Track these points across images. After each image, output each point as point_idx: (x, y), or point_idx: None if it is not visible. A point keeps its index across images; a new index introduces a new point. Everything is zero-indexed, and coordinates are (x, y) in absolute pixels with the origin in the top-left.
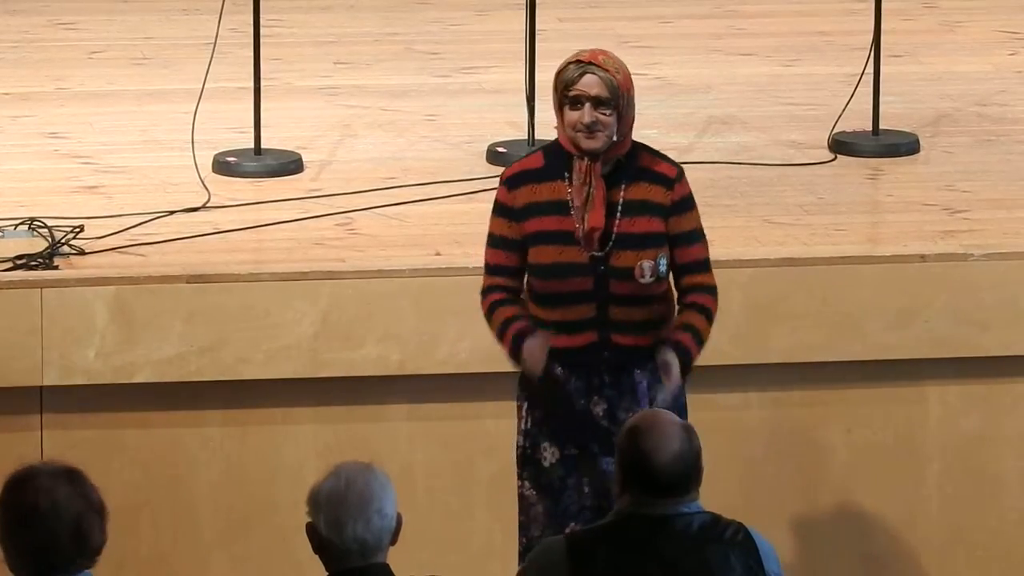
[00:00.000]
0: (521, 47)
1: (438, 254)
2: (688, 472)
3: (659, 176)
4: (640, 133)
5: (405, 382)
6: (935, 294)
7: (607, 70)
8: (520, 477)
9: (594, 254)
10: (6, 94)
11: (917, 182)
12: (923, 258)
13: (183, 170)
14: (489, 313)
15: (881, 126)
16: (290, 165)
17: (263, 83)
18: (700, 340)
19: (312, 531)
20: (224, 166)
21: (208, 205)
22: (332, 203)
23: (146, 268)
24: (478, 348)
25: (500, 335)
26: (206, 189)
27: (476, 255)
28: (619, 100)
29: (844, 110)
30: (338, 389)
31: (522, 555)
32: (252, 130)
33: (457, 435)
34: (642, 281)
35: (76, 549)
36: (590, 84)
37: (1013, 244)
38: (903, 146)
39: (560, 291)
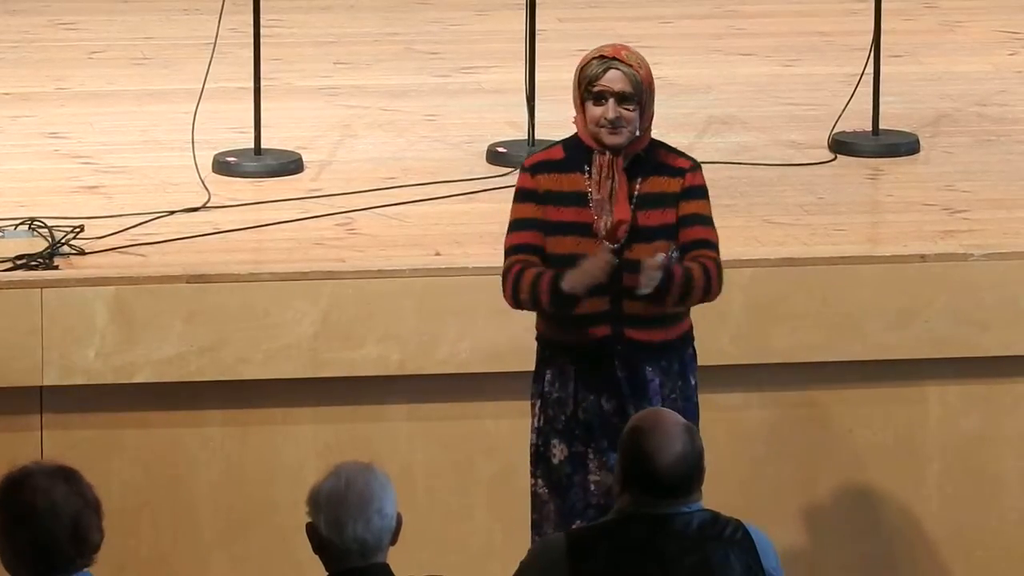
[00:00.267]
0: (521, 47)
1: (438, 254)
2: (690, 474)
3: (674, 169)
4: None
5: (405, 382)
6: (935, 294)
7: (631, 65)
8: (533, 475)
9: (611, 246)
10: (6, 94)
11: (917, 182)
12: (923, 258)
13: (183, 170)
14: (517, 281)
15: (881, 126)
16: (290, 165)
17: (263, 83)
18: (688, 277)
19: (312, 531)
20: (224, 166)
21: (208, 205)
22: (332, 203)
23: (146, 268)
24: (478, 348)
25: (535, 288)
26: (206, 189)
27: (476, 255)
28: (642, 95)
29: (844, 110)
30: (338, 389)
31: None
32: (252, 130)
33: (457, 435)
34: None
35: (75, 548)
36: (614, 80)
37: (1013, 244)
38: (903, 146)
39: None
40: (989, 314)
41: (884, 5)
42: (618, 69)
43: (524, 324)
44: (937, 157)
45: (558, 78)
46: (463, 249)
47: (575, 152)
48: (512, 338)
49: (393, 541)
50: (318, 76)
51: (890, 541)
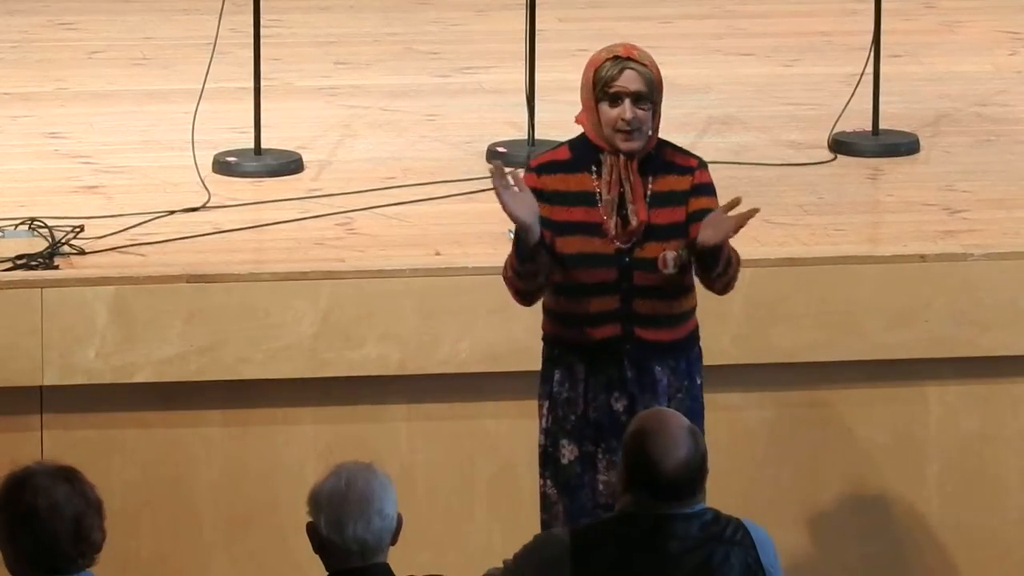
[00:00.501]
0: (521, 47)
1: (438, 254)
2: (694, 477)
3: (682, 167)
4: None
5: (405, 382)
6: (935, 294)
7: (645, 64)
8: (542, 476)
9: (619, 246)
10: (6, 94)
11: (917, 182)
12: (923, 258)
13: (183, 170)
14: (506, 264)
15: (881, 126)
16: (290, 165)
17: (263, 83)
18: (728, 250)
19: (313, 531)
20: (224, 166)
21: (208, 205)
22: (332, 203)
23: (146, 268)
24: (478, 348)
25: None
26: (206, 189)
27: (476, 255)
28: (655, 95)
29: (844, 110)
30: (338, 389)
31: None
32: (252, 130)
33: (457, 435)
34: (665, 271)
35: (76, 549)
36: (630, 80)
37: (1013, 244)
38: (903, 146)
39: (585, 282)
40: (989, 314)
41: (884, 5)
42: (633, 69)
43: (524, 324)
44: (937, 157)
45: (558, 78)
46: (463, 249)
47: (582, 152)
48: (512, 338)
49: (393, 541)
50: (318, 76)
51: (890, 541)
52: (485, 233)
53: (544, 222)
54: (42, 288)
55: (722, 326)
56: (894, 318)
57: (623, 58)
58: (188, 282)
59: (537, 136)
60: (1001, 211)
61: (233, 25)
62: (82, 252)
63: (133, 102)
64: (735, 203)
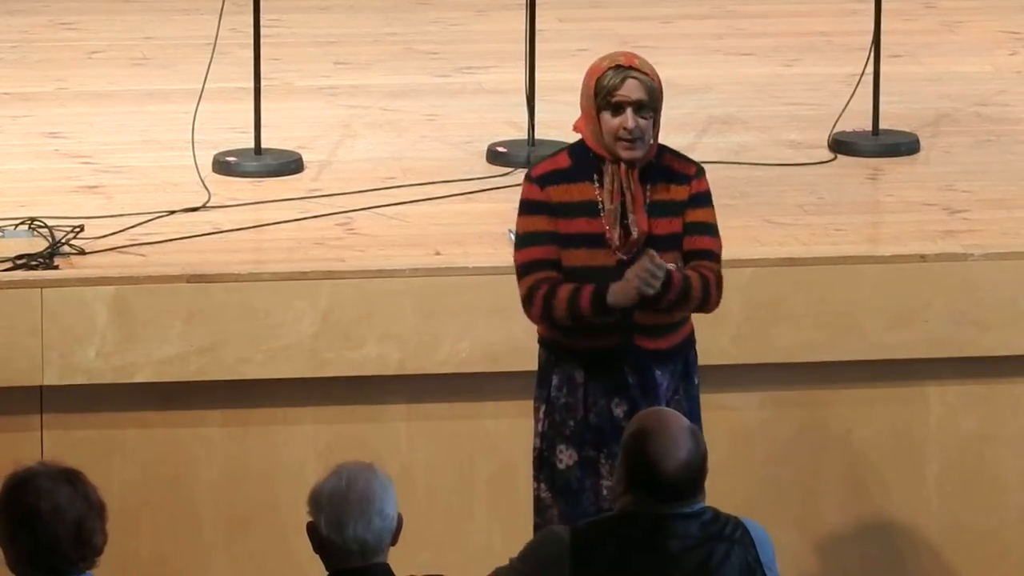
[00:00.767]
0: (521, 47)
1: (438, 254)
2: (695, 477)
3: (680, 175)
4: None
5: (405, 382)
6: (935, 294)
7: (646, 73)
8: (536, 479)
9: (621, 257)
10: (6, 94)
11: (917, 182)
12: (923, 258)
13: (183, 170)
14: (549, 299)
15: (881, 126)
16: (290, 165)
17: (263, 83)
18: (687, 285)
19: (313, 531)
20: (224, 166)
21: (208, 205)
22: (332, 203)
23: (146, 268)
24: (478, 348)
25: (573, 304)
26: (206, 189)
27: (476, 255)
28: (656, 103)
29: (844, 110)
30: (338, 389)
31: None
32: (252, 130)
33: (457, 435)
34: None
35: (78, 551)
36: (633, 89)
37: (1013, 244)
38: (903, 146)
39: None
40: (989, 314)
41: (884, 5)
42: (636, 79)
43: (524, 324)
44: (937, 157)
45: (558, 78)
46: (463, 249)
47: (582, 160)
48: (512, 338)
49: (394, 541)
50: (318, 76)
51: (890, 541)
52: (485, 233)
53: (552, 236)
54: (42, 288)
55: (722, 326)
56: (894, 318)
57: (625, 67)
58: (188, 282)
59: (537, 136)
60: (1001, 211)
61: (233, 25)
62: (82, 252)
63: (133, 102)
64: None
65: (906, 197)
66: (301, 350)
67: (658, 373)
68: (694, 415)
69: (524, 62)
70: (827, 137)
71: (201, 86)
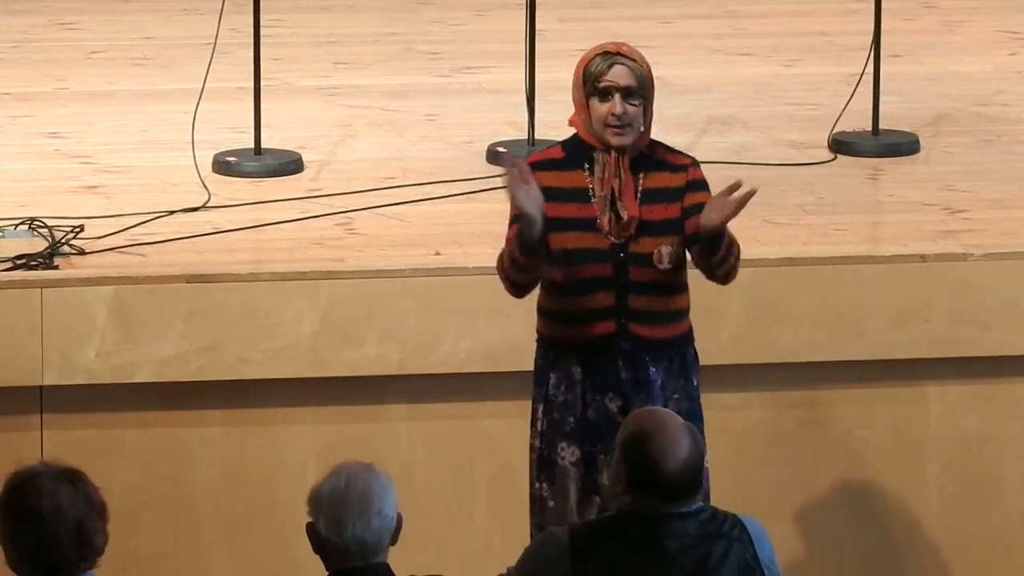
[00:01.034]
0: (521, 47)
1: (438, 254)
2: (695, 476)
3: (675, 165)
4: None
5: (405, 382)
6: (935, 294)
7: (635, 60)
8: (537, 479)
9: (614, 241)
10: (6, 94)
11: (917, 182)
12: (923, 258)
13: (183, 170)
14: (500, 263)
15: (881, 126)
16: (290, 165)
17: (263, 83)
18: (731, 238)
19: (312, 531)
20: (224, 166)
21: (208, 205)
22: (332, 203)
23: (146, 268)
24: (478, 348)
25: (510, 254)
26: (206, 189)
27: (476, 255)
28: (646, 90)
29: (844, 110)
30: (338, 389)
31: None
32: (252, 130)
33: (457, 435)
34: (660, 267)
35: (78, 551)
36: (620, 75)
37: (1013, 244)
38: (903, 146)
39: (580, 277)
40: (989, 314)
41: (884, 5)
42: (623, 64)
43: (524, 324)
44: (937, 157)
45: (558, 78)
46: (463, 249)
47: (575, 151)
48: (511, 338)
49: (393, 541)
50: (318, 76)
51: (890, 541)
52: (485, 233)
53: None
54: (42, 288)
55: (721, 326)
56: (894, 318)
57: (613, 53)
58: (188, 282)
59: (537, 136)
60: (1001, 211)
61: (233, 25)
62: (82, 252)
63: (133, 102)
64: (736, 186)
65: (906, 197)
66: (301, 350)
67: (652, 369)
68: (695, 415)
69: (524, 62)
70: (827, 137)
71: (201, 86)
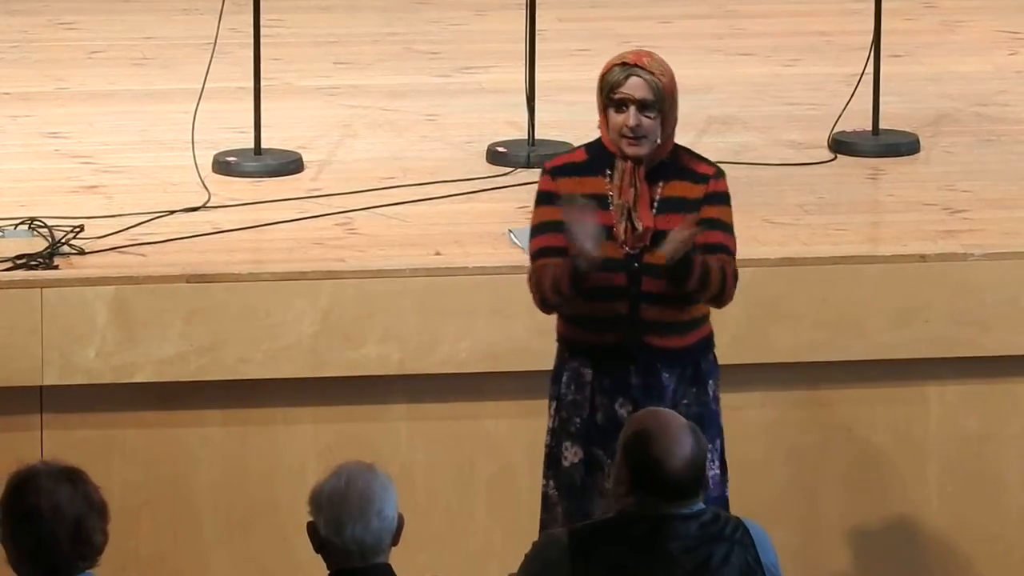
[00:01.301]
0: (521, 47)
1: (438, 254)
2: (698, 476)
3: (697, 175)
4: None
5: (405, 382)
6: (935, 294)
7: (652, 72)
8: (545, 476)
9: (628, 251)
10: (6, 94)
11: (917, 182)
12: (923, 258)
13: (183, 170)
14: (539, 283)
15: (881, 126)
16: (290, 165)
17: (263, 83)
18: (707, 269)
19: (312, 531)
20: (224, 166)
21: (208, 205)
22: (332, 203)
23: (146, 268)
24: (478, 348)
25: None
26: (206, 189)
27: (476, 255)
28: (663, 103)
29: (844, 110)
30: (338, 389)
31: None
32: (252, 130)
33: (457, 435)
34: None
35: (76, 550)
36: (635, 87)
37: (1013, 244)
38: (903, 146)
39: (595, 284)
40: (989, 314)
41: (884, 5)
42: (639, 76)
43: (524, 324)
44: (937, 157)
45: (558, 78)
46: (463, 249)
47: (598, 156)
48: (512, 338)
49: (395, 542)
50: (318, 76)
51: (890, 541)
52: (485, 233)
53: (557, 225)
54: (42, 288)
55: (722, 326)
56: (894, 318)
57: (630, 64)
58: (188, 282)
59: (537, 136)
60: (1001, 211)
61: (233, 25)
62: (82, 252)
63: (133, 102)
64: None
65: (906, 197)
66: (301, 350)
67: (665, 375)
68: (708, 422)
69: (524, 62)
70: (827, 137)
71: (201, 86)
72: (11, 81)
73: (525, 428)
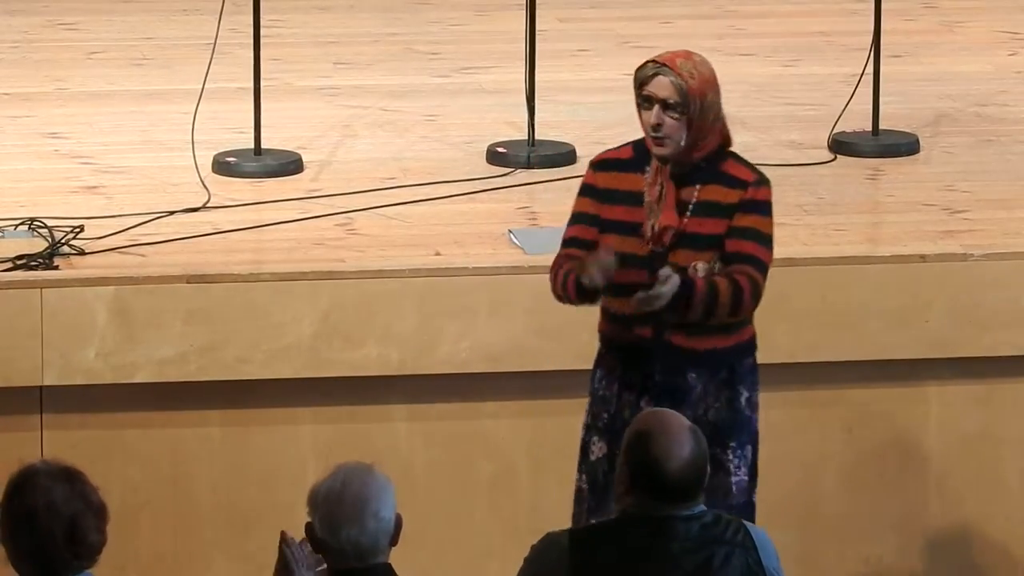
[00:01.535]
0: (521, 47)
1: (438, 254)
2: (698, 477)
3: (736, 180)
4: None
5: (405, 382)
6: (935, 294)
7: (680, 74)
8: (579, 470)
9: (655, 249)
10: (6, 94)
11: (917, 182)
12: (923, 258)
13: (183, 170)
14: (555, 278)
15: (881, 126)
16: (290, 165)
17: (263, 83)
18: (713, 293)
19: (310, 531)
20: (224, 166)
21: (208, 205)
22: (332, 203)
23: (146, 268)
24: (478, 348)
25: (565, 283)
26: (206, 189)
27: (476, 255)
28: (689, 106)
29: (844, 110)
30: (338, 389)
31: None
32: (252, 130)
33: (457, 435)
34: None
35: (72, 549)
36: (659, 87)
37: (1013, 244)
38: (903, 146)
39: (619, 281)
40: (989, 314)
41: (884, 5)
42: (665, 76)
43: (524, 324)
44: (937, 157)
45: (558, 78)
46: (463, 249)
47: (641, 153)
48: (512, 338)
49: (394, 542)
50: (318, 76)
51: (890, 541)
52: (485, 233)
53: (592, 219)
54: (42, 288)
55: None
56: (894, 318)
57: (659, 64)
58: (188, 282)
59: (537, 136)
60: (1001, 211)
61: (233, 25)
62: (82, 252)
63: (133, 102)
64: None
65: (906, 197)
66: (301, 350)
67: (692, 376)
68: (735, 427)
69: (524, 62)
70: (827, 137)
71: (201, 86)
72: (11, 81)
73: (525, 428)
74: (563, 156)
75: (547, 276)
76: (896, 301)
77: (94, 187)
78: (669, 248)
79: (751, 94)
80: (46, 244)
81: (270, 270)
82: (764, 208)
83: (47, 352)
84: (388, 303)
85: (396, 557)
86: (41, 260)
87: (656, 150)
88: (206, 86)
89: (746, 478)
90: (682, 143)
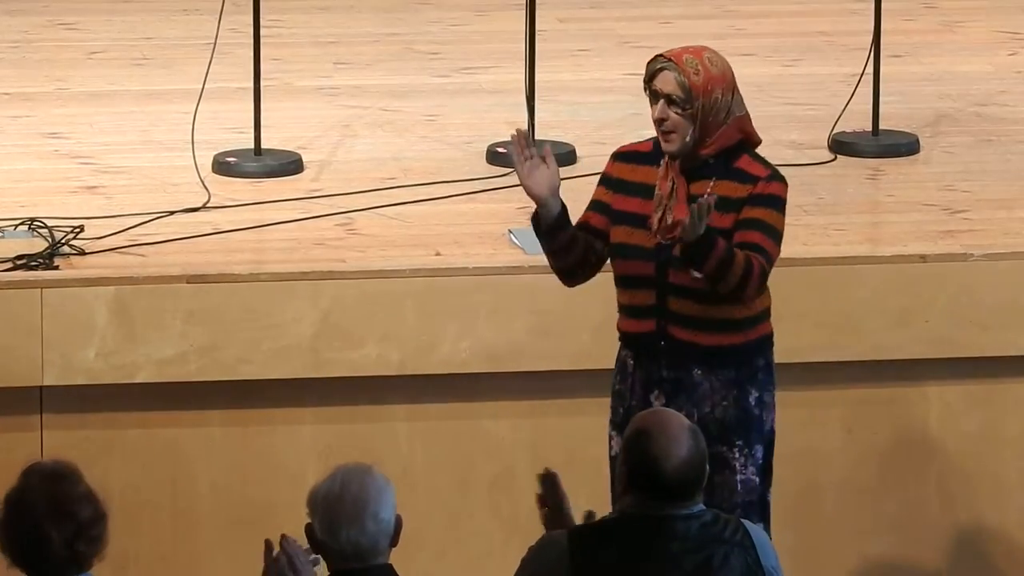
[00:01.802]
0: (521, 47)
1: (438, 254)
2: (696, 476)
3: (748, 176)
4: (640, 134)
5: (405, 382)
6: (935, 294)
7: (684, 70)
8: (610, 465)
9: (661, 242)
10: (6, 94)
11: (917, 182)
12: (923, 258)
13: (183, 170)
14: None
15: (881, 126)
16: (290, 165)
17: (263, 83)
18: (730, 257)
19: (310, 532)
20: (224, 166)
21: (208, 205)
22: (332, 203)
23: (146, 268)
24: (478, 348)
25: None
26: (206, 189)
27: (476, 255)
28: (693, 102)
29: (844, 110)
30: (338, 389)
31: None
32: (252, 130)
33: (457, 435)
34: (695, 275)
35: (72, 551)
36: (664, 82)
37: (1013, 244)
38: (903, 146)
39: (626, 272)
40: (989, 314)
41: (884, 5)
42: (670, 72)
43: (524, 324)
44: (937, 157)
45: (558, 78)
46: (463, 249)
47: (659, 147)
48: (512, 338)
49: (394, 543)
50: (318, 76)
51: (890, 541)
52: (485, 233)
53: (605, 208)
54: (42, 288)
55: None
56: (894, 318)
57: (666, 59)
58: (188, 282)
59: (537, 136)
60: (1001, 211)
61: (233, 25)
62: (82, 252)
63: (133, 102)
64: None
65: (906, 197)
66: (301, 350)
67: (697, 372)
68: (743, 425)
69: (524, 62)
70: (827, 137)
71: (201, 86)
72: (11, 81)
73: (525, 428)
74: (563, 156)
75: (547, 276)
76: (896, 301)
77: (94, 187)
78: (678, 241)
79: (751, 94)
80: (46, 244)
81: (270, 270)
82: (773, 202)
83: (47, 352)
84: (388, 303)
85: (396, 557)
86: (41, 260)
87: (664, 145)
88: (206, 86)
89: (755, 477)
90: (688, 139)
